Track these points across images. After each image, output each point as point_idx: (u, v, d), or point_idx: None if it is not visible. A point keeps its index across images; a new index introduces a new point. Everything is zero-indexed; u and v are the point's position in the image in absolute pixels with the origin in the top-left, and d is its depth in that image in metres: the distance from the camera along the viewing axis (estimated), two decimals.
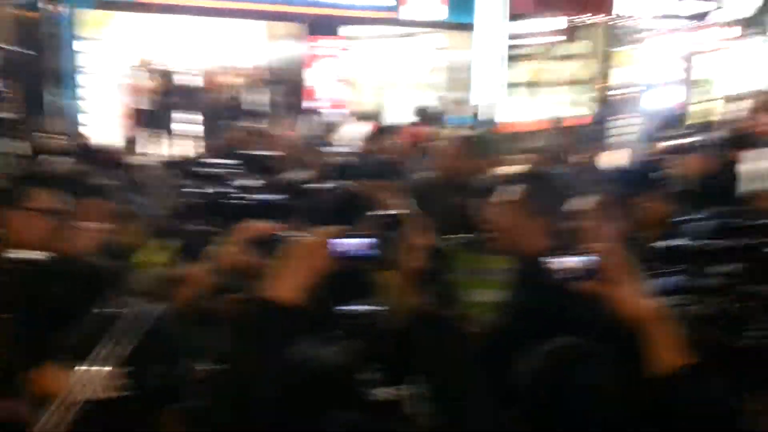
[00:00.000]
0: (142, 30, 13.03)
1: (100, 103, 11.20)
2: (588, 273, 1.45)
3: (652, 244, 3.68)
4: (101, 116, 11.05)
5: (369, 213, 1.54)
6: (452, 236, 3.46)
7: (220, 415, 1.34)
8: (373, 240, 1.45)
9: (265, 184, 3.18)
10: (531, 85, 17.12)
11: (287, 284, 1.44)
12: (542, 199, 2.52)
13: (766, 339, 1.45)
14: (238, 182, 3.08)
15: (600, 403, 1.54)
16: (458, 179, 4.77)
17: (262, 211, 2.95)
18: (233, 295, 2.19)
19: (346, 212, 2.66)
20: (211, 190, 3.03)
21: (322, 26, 12.35)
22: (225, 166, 3.09)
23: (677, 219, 3.80)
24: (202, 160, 4.14)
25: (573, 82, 17.99)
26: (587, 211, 3.08)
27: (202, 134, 12.12)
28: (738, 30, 18.37)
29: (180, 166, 4.06)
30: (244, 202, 2.91)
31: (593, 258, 1.45)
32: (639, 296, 1.45)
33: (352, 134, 9.36)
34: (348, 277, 1.55)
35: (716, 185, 4.82)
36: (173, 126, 11.72)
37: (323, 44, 12.58)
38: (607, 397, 1.54)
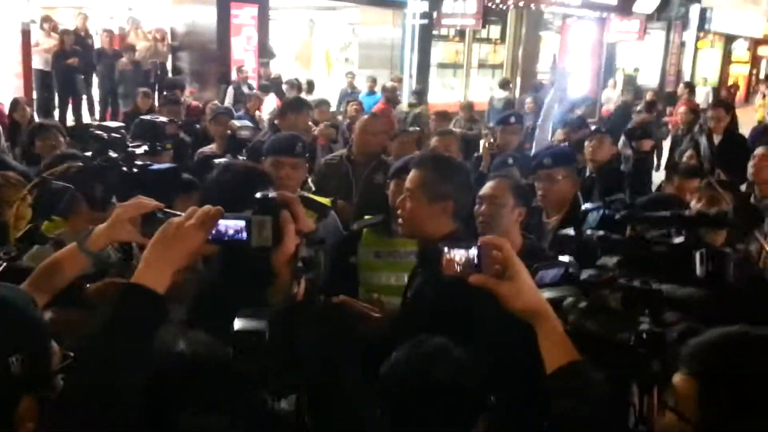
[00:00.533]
0: None
1: None
2: (476, 265, 1.42)
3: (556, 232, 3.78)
4: None
5: (256, 194, 1.44)
6: (364, 218, 3.40)
7: (74, 406, 1.25)
8: (245, 223, 1.37)
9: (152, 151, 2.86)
10: (449, 66, 17.37)
11: (156, 268, 1.35)
12: (446, 183, 2.47)
13: (647, 334, 1.46)
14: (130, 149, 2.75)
15: (456, 403, 1.56)
16: (374, 158, 4.70)
17: (155, 181, 2.68)
18: (107, 280, 2.05)
19: (242, 190, 2.56)
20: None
21: None
22: (116, 130, 2.77)
23: (580, 207, 3.91)
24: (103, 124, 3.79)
25: (487, 66, 18.39)
26: (490, 196, 3.09)
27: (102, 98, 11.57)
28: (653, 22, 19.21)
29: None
30: (133, 171, 2.63)
31: (481, 249, 1.42)
32: (525, 291, 1.43)
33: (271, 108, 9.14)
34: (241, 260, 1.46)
35: (614, 173, 4.99)
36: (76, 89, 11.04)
37: (243, 12, 12.14)
38: (466, 397, 1.55)
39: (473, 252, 1.44)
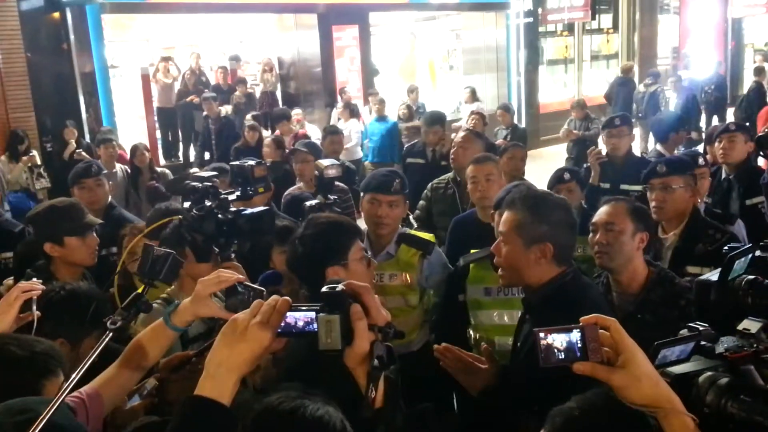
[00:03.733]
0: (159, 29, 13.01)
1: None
2: (580, 350, 1.19)
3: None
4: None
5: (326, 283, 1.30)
6: (471, 252, 3.18)
7: None
8: (315, 314, 1.23)
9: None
10: (559, 62, 16.71)
11: (220, 376, 1.23)
12: (542, 223, 2.19)
13: None
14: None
15: None
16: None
17: (249, 226, 2.60)
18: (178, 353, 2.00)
19: (328, 245, 2.43)
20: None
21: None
22: (209, 179, 2.74)
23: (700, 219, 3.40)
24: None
25: (600, 57, 17.51)
26: (606, 222, 2.79)
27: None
28: None
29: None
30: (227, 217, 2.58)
31: (585, 331, 1.19)
32: (644, 380, 1.19)
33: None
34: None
35: (753, 173, 4.45)
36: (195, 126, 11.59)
37: (345, 34, 12.23)
38: None
39: (576, 335, 1.22)
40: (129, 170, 6.96)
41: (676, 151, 5.61)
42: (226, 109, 10.34)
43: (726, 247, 1.74)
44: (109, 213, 4.31)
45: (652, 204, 3.37)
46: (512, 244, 2.24)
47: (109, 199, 4.52)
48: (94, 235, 3.34)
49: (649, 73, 13.30)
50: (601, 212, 2.85)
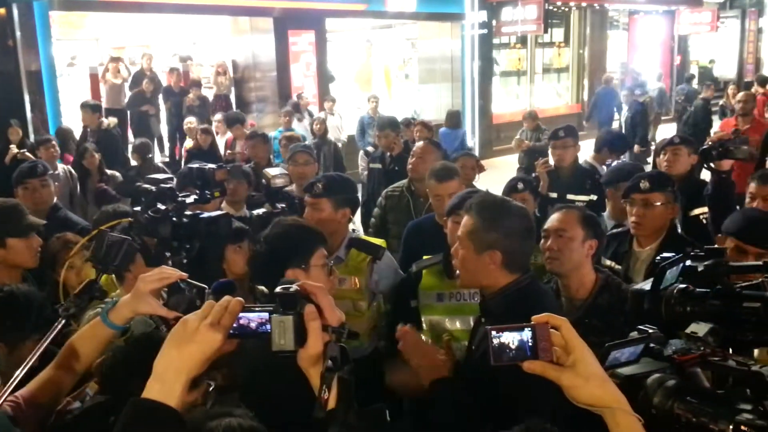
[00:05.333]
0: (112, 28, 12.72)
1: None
2: (531, 349, 1.20)
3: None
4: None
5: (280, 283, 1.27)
6: (423, 258, 3.18)
7: None
8: (269, 315, 1.21)
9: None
10: (512, 74, 16.98)
11: (167, 378, 1.20)
12: (491, 231, 2.20)
13: (747, 426, 1.21)
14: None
15: None
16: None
17: (206, 230, 2.55)
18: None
19: (292, 248, 2.41)
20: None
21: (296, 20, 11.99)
22: (165, 181, 2.68)
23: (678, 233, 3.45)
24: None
25: (552, 70, 17.87)
26: (557, 229, 2.83)
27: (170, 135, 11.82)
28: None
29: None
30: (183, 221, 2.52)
31: (536, 330, 1.20)
32: (592, 380, 1.20)
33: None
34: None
35: (696, 185, 4.58)
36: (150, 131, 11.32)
37: (301, 39, 12.18)
38: None
39: (527, 334, 1.22)
40: (72, 171, 6.76)
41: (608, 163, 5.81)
42: (110, 121, 9.15)
43: (658, 258, 1.75)
44: (53, 214, 4.19)
45: (632, 219, 3.39)
46: (466, 249, 2.26)
47: (54, 199, 4.38)
48: (36, 236, 3.24)
49: (638, 84, 13.73)
50: (553, 219, 2.89)
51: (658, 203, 3.34)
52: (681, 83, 17.20)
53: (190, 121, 9.51)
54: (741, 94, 7.54)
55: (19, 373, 1.56)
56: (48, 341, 1.73)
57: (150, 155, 7.65)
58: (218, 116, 9.92)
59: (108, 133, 8.52)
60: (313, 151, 5.67)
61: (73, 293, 2.09)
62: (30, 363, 1.64)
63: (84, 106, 8.77)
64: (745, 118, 6.88)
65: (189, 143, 8.96)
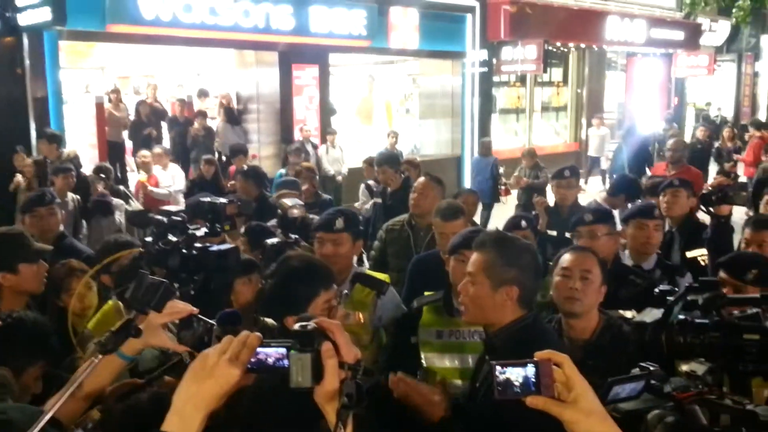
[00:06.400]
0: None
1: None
2: (534, 385, 1.25)
3: None
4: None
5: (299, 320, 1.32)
6: (424, 294, 3.20)
7: None
8: (286, 350, 1.25)
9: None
10: (511, 111, 17.20)
11: (185, 412, 1.23)
12: (511, 267, 2.23)
13: None
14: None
15: None
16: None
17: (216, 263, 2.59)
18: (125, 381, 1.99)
19: (300, 286, 2.45)
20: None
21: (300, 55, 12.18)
22: (177, 213, 2.73)
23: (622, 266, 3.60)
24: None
25: (550, 109, 18.09)
26: (584, 270, 2.78)
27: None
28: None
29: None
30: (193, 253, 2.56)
31: (539, 366, 1.25)
32: (592, 417, 1.25)
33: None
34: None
35: (695, 227, 4.65)
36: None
37: (305, 73, 12.34)
38: None
39: (531, 369, 1.27)
40: (80, 200, 6.82)
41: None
42: (69, 153, 8.47)
43: (657, 290, 1.81)
44: (60, 242, 4.23)
45: None
46: (480, 285, 2.27)
47: (61, 228, 4.43)
48: (43, 262, 3.29)
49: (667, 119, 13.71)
50: (575, 259, 2.84)
51: (601, 234, 3.64)
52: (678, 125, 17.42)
53: (144, 155, 8.93)
54: (671, 141, 7.68)
55: (56, 403, 1.62)
56: (86, 375, 1.78)
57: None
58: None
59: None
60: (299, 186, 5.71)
61: (110, 330, 2.14)
62: (65, 395, 1.69)
63: (41, 136, 8.42)
64: (675, 165, 6.97)
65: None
